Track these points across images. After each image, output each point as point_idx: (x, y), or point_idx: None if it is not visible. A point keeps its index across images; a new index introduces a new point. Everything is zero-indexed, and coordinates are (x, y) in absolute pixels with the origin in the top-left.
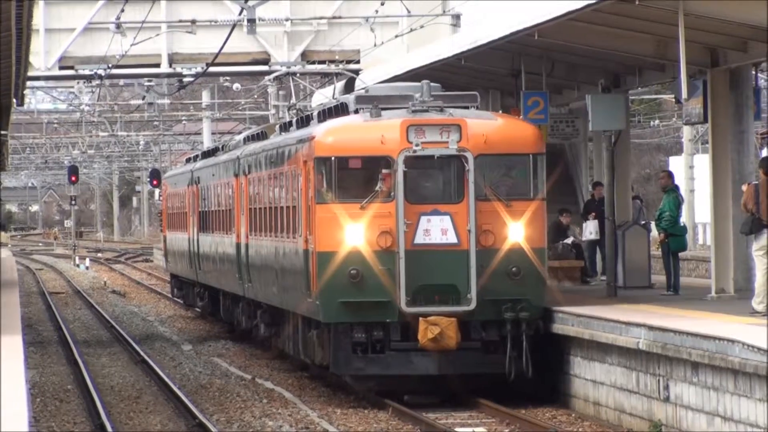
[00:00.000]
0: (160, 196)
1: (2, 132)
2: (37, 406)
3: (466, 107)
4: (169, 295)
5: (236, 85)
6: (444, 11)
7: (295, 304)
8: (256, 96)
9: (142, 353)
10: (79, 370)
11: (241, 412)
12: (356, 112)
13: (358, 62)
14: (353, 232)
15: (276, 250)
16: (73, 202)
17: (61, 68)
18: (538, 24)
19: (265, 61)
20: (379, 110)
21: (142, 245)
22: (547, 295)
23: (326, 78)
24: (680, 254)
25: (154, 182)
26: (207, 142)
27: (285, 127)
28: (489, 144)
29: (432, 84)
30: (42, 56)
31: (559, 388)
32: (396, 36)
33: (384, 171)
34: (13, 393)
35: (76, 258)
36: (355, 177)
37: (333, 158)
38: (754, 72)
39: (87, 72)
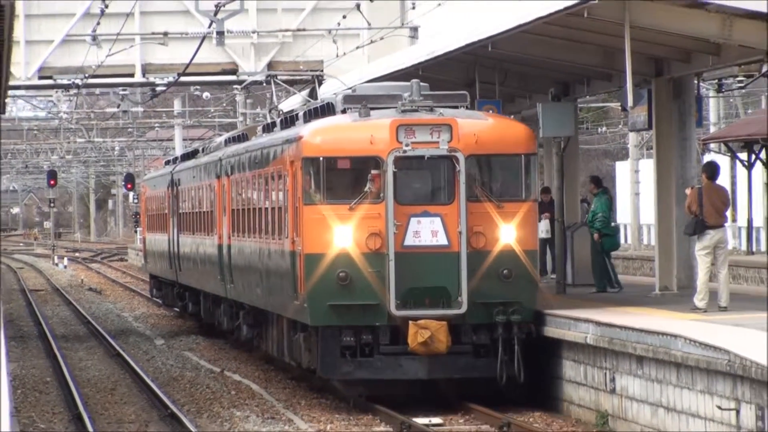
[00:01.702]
0: (134, 198)
1: None
2: (18, 397)
3: (456, 107)
4: (143, 293)
5: (206, 94)
6: (403, 24)
7: (282, 306)
8: (224, 104)
9: (117, 347)
10: (58, 364)
11: (210, 402)
12: (344, 111)
13: (321, 72)
14: (342, 233)
15: (260, 251)
16: (52, 205)
17: (41, 78)
18: (491, 36)
19: (233, 71)
20: (368, 110)
21: (117, 245)
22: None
23: (292, 87)
24: (625, 254)
25: (129, 186)
26: (179, 148)
27: (268, 128)
28: (480, 144)
29: (421, 83)
30: (23, 66)
31: (537, 386)
32: (357, 47)
33: (373, 171)
34: None
35: (55, 257)
36: (343, 178)
37: (321, 158)
38: (696, 81)
39: (65, 81)
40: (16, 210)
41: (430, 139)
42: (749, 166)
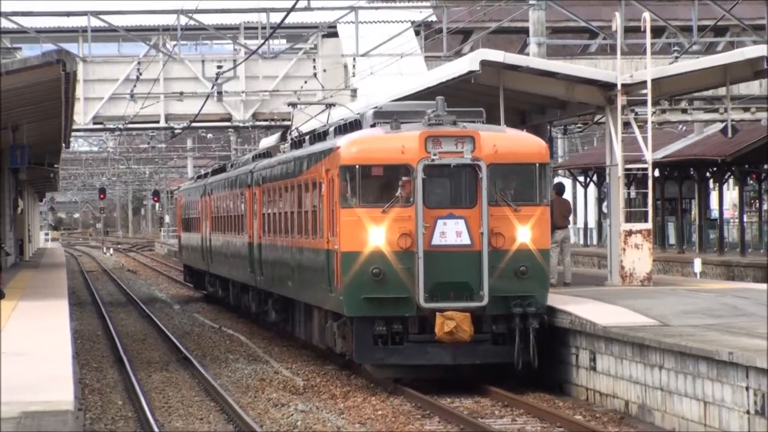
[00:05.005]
0: (159, 208)
1: (55, 165)
2: (78, 345)
3: (473, 121)
4: (166, 273)
5: (209, 135)
6: (346, 86)
7: (316, 297)
8: (222, 142)
9: (147, 311)
10: (106, 322)
11: (212, 349)
12: (373, 125)
13: (290, 120)
14: (375, 234)
15: (292, 249)
16: (102, 212)
17: (94, 123)
18: (407, 95)
19: (229, 119)
20: (399, 123)
21: (147, 240)
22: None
23: (269, 130)
24: None
25: (155, 199)
26: (190, 172)
27: (297, 144)
28: (499, 154)
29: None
30: (82, 116)
31: None
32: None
33: (404, 178)
34: (62, 337)
35: (104, 248)
36: (377, 183)
37: (357, 166)
38: (549, 127)
39: (111, 126)
40: (76, 215)
41: (455, 149)
42: (585, 186)
